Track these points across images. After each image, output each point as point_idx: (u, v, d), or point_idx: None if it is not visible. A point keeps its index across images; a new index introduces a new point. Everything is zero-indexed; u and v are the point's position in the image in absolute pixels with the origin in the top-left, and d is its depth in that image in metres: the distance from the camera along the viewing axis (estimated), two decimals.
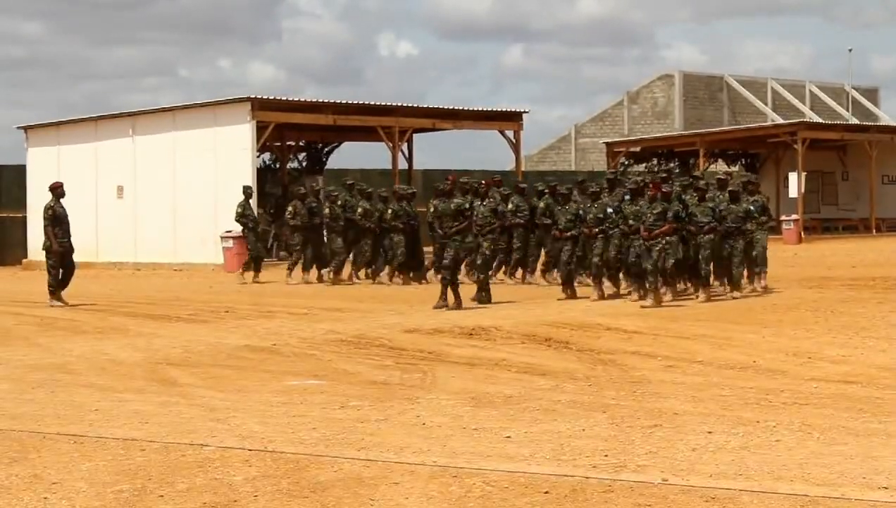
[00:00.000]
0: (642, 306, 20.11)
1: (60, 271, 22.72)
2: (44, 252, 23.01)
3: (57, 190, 22.87)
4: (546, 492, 8.04)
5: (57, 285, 22.73)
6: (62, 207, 22.73)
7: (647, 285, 20.53)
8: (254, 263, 28.54)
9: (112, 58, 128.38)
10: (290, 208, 28.32)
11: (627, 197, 21.82)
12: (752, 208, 22.23)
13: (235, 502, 7.98)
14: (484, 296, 21.54)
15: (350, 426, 10.35)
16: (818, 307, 19.58)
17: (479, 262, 22.23)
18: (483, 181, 23.48)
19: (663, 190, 21.25)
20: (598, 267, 21.94)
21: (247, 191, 29.70)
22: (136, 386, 13.01)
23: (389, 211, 26.68)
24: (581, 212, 22.36)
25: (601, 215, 21.93)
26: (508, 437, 9.84)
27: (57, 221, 22.53)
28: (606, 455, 9.06)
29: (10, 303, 24.22)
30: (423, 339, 16.60)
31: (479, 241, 22.40)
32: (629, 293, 21.85)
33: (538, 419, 10.66)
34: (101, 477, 8.65)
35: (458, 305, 20.61)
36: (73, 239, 22.90)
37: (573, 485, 8.19)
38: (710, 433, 9.85)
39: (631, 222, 21.03)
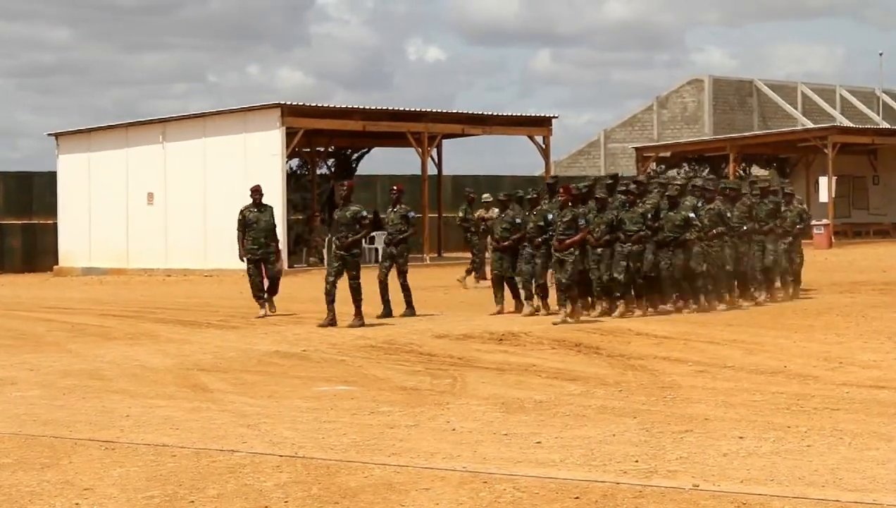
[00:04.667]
0: (554, 323, 18.57)
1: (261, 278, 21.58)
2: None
3: (254, 194, 21.82)
4: (576, 498, 8.03)
5: (260, 294, 21.59)
6: (253, 211, 21.70)
7: (561, 299, 19.04)
8: (477, 268, 28.24)
9: (141, 64, 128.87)
10: None
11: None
12: (691, 215, 20.33)
13: None
14: (407, 311, 20.60)
15: (380, 432, 10.36)
16: (849, 312, 19.50)
17: (382, 272, 20.64)
18: (394, 187, 22.04)
19: (598, 197, 20.00)
20: (528, 279, 20.48)
21: (469, 197, 30.32)
22: (166, 392, 13.05)
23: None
24: (518, 221, 20.69)
25: (541, 224, 20.09)
26: (539, 442, 9.83)
27: (246, 226, 21.64)
28: (637, 461, 9.04)
29: (41, 309, 24.32)
30: (453, 344, 16.60)
31: (391, 251, 20.94)
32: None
33: (568, 424, 10.65)
34: (132, 483, 8.68)
35: (333, 321, 19.26)
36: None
37: (604, 491, 8.18)
38: (741, 438, 9.82)
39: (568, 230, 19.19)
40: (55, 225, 40.90)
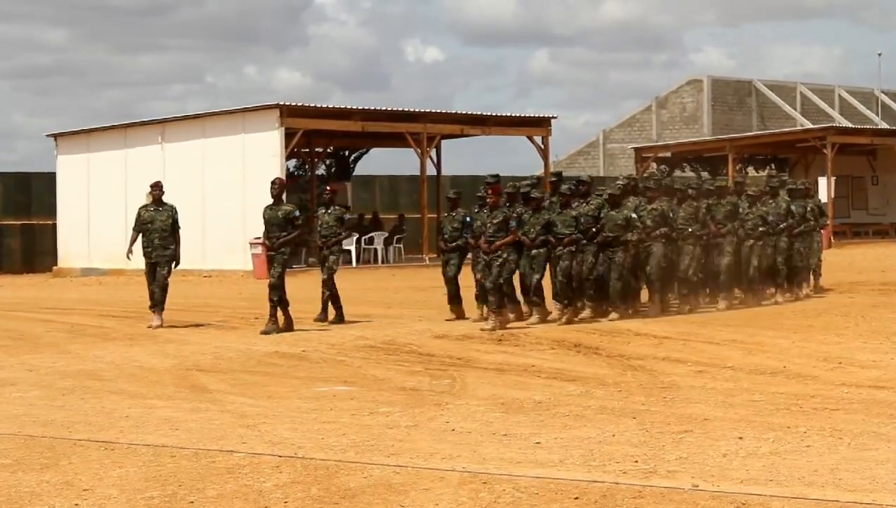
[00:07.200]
0: (482, 329, 18.10)
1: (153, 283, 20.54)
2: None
3: (153, 189, 20.44)
4: (576, 498, 8.03)
5: (153, 299, 20.48)
6: (150, 210, 20.37)
7: (488, 305, 18.61)
8: None
9: (138, 65, 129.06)
10: None
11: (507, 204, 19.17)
12: (634, 215, 19.56)
13: None
14: (336, 317, 19.83)
15: (380, 433, 10.36)
16: (848, 312, 19.50)
17: (324, 277, 19.97)
18: (327, 187, 20.80)
19: (531, 196, 19.22)
20: (455, 285, 20.14)
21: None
22: (166, 393, 13.05)
23: None
24: (468, 220, 19.83)
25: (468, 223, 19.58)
26: (538, 443, 9.83)
27: (142, 226, 20.31)
28: (636, 461, 9.04)
29: (40, 310, 24.31)
30: (453, 345, 16.60)
31: (324, 254, 20.21)
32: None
33: (568, 424, 10.65)
34: (131, 484, 8.67)
35: (289, 326, 18.70)
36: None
37: (603, 491, 8.18)
38: (740, 438, 9.82)
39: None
40: (54, 226, 40.92)
